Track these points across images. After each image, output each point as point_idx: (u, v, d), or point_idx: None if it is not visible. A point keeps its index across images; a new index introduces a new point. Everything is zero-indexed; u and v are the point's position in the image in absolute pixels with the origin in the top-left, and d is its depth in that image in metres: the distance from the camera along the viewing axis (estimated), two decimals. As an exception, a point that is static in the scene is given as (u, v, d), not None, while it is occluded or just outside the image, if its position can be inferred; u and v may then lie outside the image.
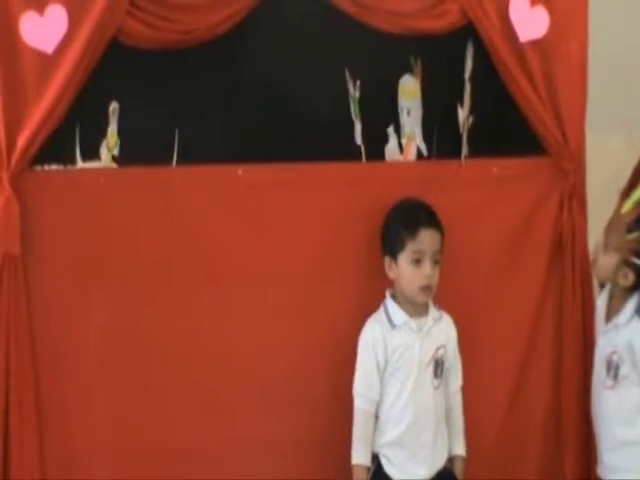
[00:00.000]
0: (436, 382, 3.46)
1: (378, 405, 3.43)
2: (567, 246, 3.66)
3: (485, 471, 3.68)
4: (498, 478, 3.70)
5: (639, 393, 3.41)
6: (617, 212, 3.48)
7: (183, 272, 3.47)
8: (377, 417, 3.44)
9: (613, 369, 3.44)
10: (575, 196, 3.65)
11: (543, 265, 3.68)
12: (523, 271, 3.67)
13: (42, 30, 3.30)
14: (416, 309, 3.47)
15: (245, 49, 3.47)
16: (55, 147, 3.36)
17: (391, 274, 3.46)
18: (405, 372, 3.42)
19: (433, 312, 3.50)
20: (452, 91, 3.60)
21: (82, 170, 3.40)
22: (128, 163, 3.43)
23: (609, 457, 3.45)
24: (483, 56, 3.57)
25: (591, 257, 3.58)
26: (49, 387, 3.43)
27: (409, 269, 3.42)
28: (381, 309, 3.49)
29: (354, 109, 3.55)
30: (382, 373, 3.42)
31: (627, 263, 3.42)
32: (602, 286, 3.61)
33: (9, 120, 3.30)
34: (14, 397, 3.36)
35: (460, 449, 3.53)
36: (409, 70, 3.58)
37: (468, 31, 3.56)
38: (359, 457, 3.41)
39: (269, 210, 3.52)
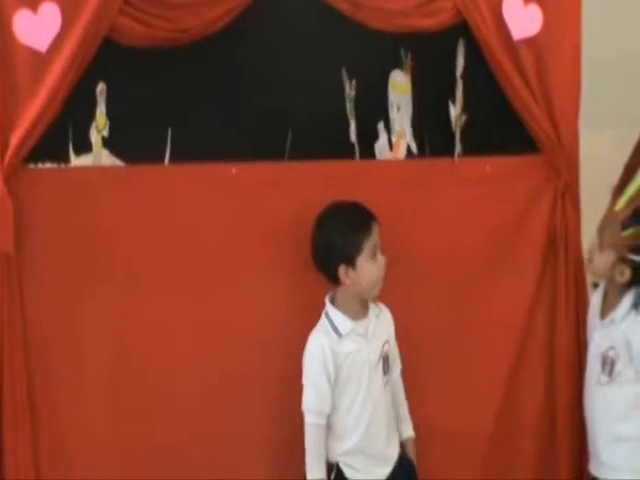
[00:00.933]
0: (385, 379, 3.43)
1: (329, 416, 3.36)
2: (560, 244, 3.66)
3: (479, 471, 3.69)
4: (492, 478, 3.70)
5: (634, 389, 3.40)
6: (611, 210, 3.48)
7: (176, 270, 3.48)
8: (329, 427, 3.37)
9: (608, 365, 3.43)
10: (568, 194, 3.65)
11: (536, 263, 3.68)
12: (516, 269, 3.67)
13: (36, 28, 3.30)
14: (359, 310, 3.41)
15: (239, 47, 3.47)
16: (48, 145, 3.36)
17: (347, 281, 3.36)
18: (357, 378, 3.36)
19: (373, 308, 3.46)
20: (444, 89, 3.60)
21: (75, 168, 3.41)
22: (121, 160, 3.43)
23: (604, 454, 3.44)
24: (476, 54, 3.57)
25: (586, 256, 3.57)
26: (43, 386, 3.44)
27: (368, 266, 3.35)
28: (323, 319, 3.41)
29: (349, 107, 3.56)
30: (333, 384, 3.35)
31: (623, 260, 3.41)
32: (595, 286, 3.62)
33: (2, 118, 3.30)
34: (7, 396, 3.37)
35: (410, 430, 3.51)
36: (399, 65, 3.58)
37: (459, 29, 3.56)
38: (317, 473, 3.33)
39: (262, 209, 3.51)
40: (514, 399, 3.71)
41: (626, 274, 3.41)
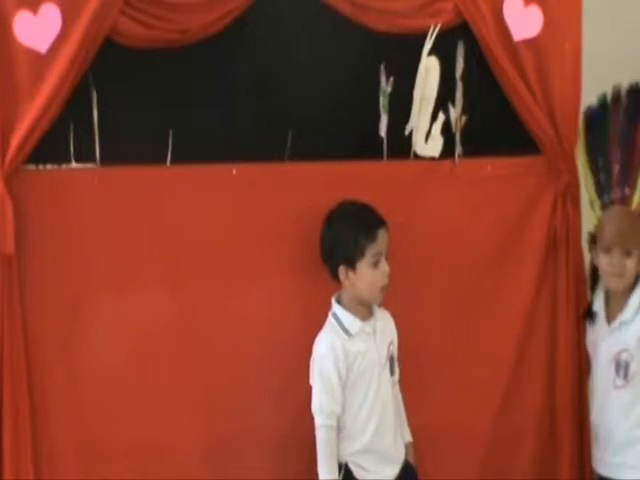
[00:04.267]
0: (392, 380, 3.44)
1: (339, 416, 3.36)
2: (561, 245, 3.67)
3: (479, 471, 3.69)
4: (492, 479, 3.70)
5: None
6: (625, 212, 3.45)
7: (177, 270, 3.48)
8: (339, 427, 3.36)
9: (623, 368, 3.43)
10: (569, 195, 3.66)
11: (537, 264, 3.68)
12: (517, 270, 3.67)
13: (36, 29, 3.30)
14: (364, 310, 3.41)
15: (239, 47, 3.47)
16: (49, 146, 3.36)
17: (347, 282, 3.36)
18: (367, 378, 3.36)
19: (376, 310, 3.46)
20: (444, 90, 3.60)
21: (76, 169, 3.41)
22: (121, 161, 3.43)
23: (619, 456, 3.44)
24: (475, 55, 3.57)
25: (613, 272, 3.47)
26: (43, 386, 3.43)
27: (369, 273, 3.34)
28: (331, 319, 3.40)
29: (383, 103, 3.54)
30: (344, 384, 3.34)
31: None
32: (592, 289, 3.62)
33: (3, 119, 3.31)
34: (7, 397, 3.37)
35: (409, 436, 3.52)
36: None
37: (459, 30, 3.56)
38: (329, 473, 3.32)
39: (263, 209, 3.51)
40: (514, 400, 3.72)
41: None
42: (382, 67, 3.55)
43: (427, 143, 3.59)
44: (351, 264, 3.34)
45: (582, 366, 3.68)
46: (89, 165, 3.42)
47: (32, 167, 3.38)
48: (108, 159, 3.42)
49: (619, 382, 3.44)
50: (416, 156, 3.60)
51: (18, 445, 3.38)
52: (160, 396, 3.51)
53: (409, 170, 3.60)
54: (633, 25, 3.88)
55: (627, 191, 3.47)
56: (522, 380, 3.71)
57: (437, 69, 3.55)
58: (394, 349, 3.46)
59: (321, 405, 3.34)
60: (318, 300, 3.53)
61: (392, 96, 3.55)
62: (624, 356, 3.43)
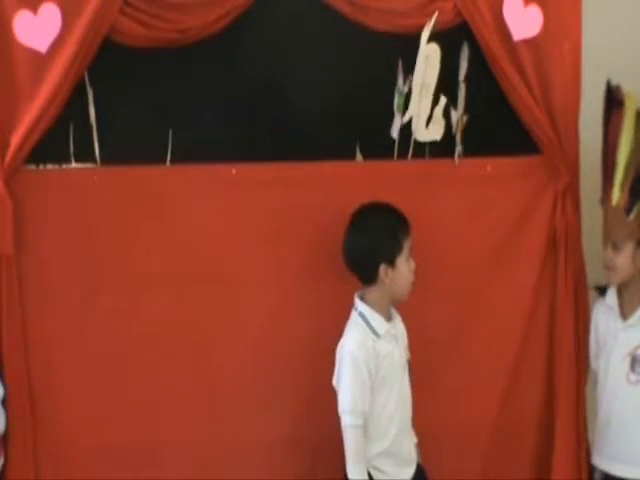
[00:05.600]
0: (409, 382, 3.45)
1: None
2: (561, 245, 3.66)
3: (479, 472, 3.69)
4: (492, 477, 3.70)
5: None
6: (609, 208, 3.48)
7: (177, 270, 3.48)
8: (364, 429, 3.34)
9: (639, 364, 3.45)
10: (569, 195, 3.65)
11: (537, 264, 3.68)
12: (517, 270, 3.67)
13: (36, 29, 3.30)
14: (388, 311, 3.42)
15: (239, 47, 3.47)
16: (49, 146, 3.36)
17: (386, 281, 3.37)
18: (391, 380, 3.37)
19: (394, 312, 3.46)
20: (446, 91, 3.60)
21: (76, 169, 3.41)
22: (121, 161, 3.43)
23: (632, 453, 3.46)
24: (476, 55, 3.57)
25: (608, 267, 3.53)
26: (43, 385, 3.44)
27: (406, 267, 3.38)
28: (357, 318, 3.39)
29: (398, 102, 3.54)
30: (372, 385, 3.33)
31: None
32: (599, 290, 3.62)
33: (3, 119, 3.31)
34: (8, 396, 3.36)
35: (415, 437, 3.51)
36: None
37: (462, 32, 3.56)
38: (360, 473, 3.31)
39: (262, 209, 3.51)
40: (514, 400, 3.71)
41: None
42: (400, 65, 3.55)
43: (428, 128, 3.58)
44: (391, 261, 3.36)
45: (582, 366, 3.68)
46: (89, 165, 3.42)
47: (32, 167, 3.38)
48: (108, 159, 3.43)
49: (633, 377, 3.46)
50: (416, 155, 3.61)
51: (19, 444, 3.38)
52: (162, 397, 3.52)
53: (409, 170, 3.59)
54: (633, 25, 3.87)
55: (607, 189, 3.49)
56: (522, 380, 3.70)
57: (438, 56, 3.53)
58: (408, 355, 3.48)
59: (353, 405, 3.30)
60: (319, 301, 3.57)
61: (409, 96, 3.55)
62: None
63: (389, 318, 3.41)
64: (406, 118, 3.56)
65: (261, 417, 3.57)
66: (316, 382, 3.55)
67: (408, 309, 3.51)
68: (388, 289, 3.38)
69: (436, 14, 3.49)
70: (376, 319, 3.37)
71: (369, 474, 3.34)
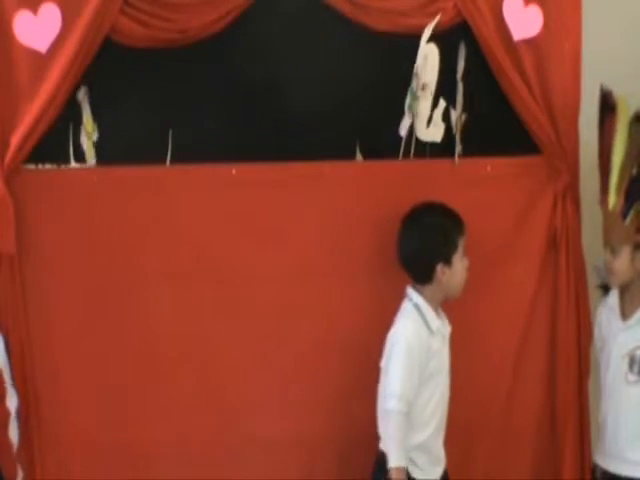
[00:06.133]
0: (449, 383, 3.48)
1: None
2: (561, 245, 3.66)
3: (479, 471, 3.69)
4: (493, 477, 3.70)
5: None
6: (606, 212, 3.49)
7: (176, 270, 3.48)
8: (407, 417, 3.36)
9: (637, 364, 3.46)
10: (569, 195, 3.65)
11: (537, 264, 3.67)
12: (517, 270, 3.66)
13: (36, 29, 3.31)
14: (437, 311, 3.46)
15: (239, 47, 3.47)
16: (49, 146, 3.37)
17: (443, 279, 3.41)
18: (437, 377, 3.40)
19: (441, 312, 3.49)
20: (445, 91, 3.60)
21: (76, 169, 3.42)
22: (121, 161, 3.44)
23: (630, 453, 3.46)
24: (476, 55, 3.57)
25: (607, 270, 3.55)
26: (46, 386, 3.45)
27: (461, 264, 3.43)
28: (411, 308, 3.42)
29: (410, 103, 3.54)
30: (420, 376, 3.36)
31: (638, 247, 3.45)
32: (603, 289, 3.62)
33: (3, 119, 3.32)
34: (9, 396, 3.37)
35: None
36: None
37: (460, 31, 3.56)
38: (401, 459, 3.31)
39: (262, 209, 3.52)
40: (515, 399, 3.71)
41: None
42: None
43: (428, 129, 3.59)
44: (447, 260, 3.40)
45: (582, 366, 3.67)
46: (88, 165, 3.42)
47: (31, 167, 3.38)
48: (108, 159, 3.43)
49: (632, 378, 3.47)
50: (416, 155, 3.60)
51: (24, 443, 3.38)
52: (165, 398, 3.53)
53: (409, 170, 3.59)
54: (633, 25, 3.87)
55: (604, 193, 3.51)
56: (522, 380, 3.69)
57: (436, 56, 3.54)
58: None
59: (401, 390, 3.32)
60: (319, 300, 3.56)
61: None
62: (639, 353, 3.45)
63: (440, 317, 3.46)
64: (408, 118, 3.57)
65: (261, 417, 3.57)
66: (316, 382, 3.58)
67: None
68: (444, 287, 3.43)
69: (439, 16, 3.49)
70: (430, 314, 3.42)
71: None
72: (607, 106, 3.51)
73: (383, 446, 3.37)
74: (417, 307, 3.42)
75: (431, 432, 3.40)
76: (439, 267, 3.40)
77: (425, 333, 3.39)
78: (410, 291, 3.44)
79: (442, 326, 3.45)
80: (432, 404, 3.40)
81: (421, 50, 3.50)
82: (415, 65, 3.51)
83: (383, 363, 3.40)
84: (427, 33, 3.49)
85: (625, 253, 3.47)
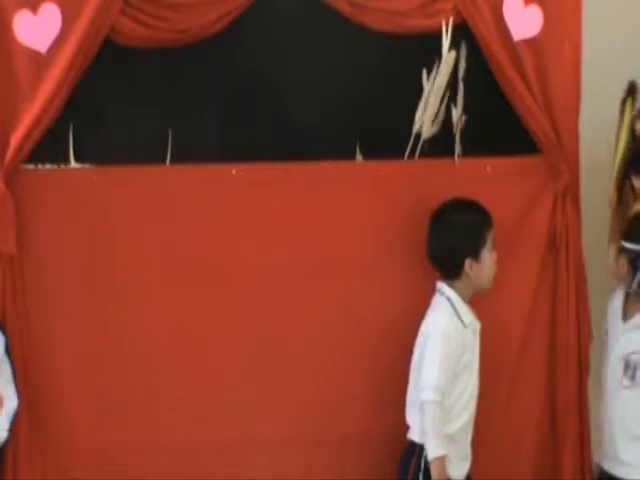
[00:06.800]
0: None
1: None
2: (561, 245, 3.66)
3: (479, 472, 3.68)
4: (493, 477, 3.70)
5: None
6: (613, 212, 3.50)
7: (177, 270, 3.49)
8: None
9: (631, 369, 3.47)
10: (569, 195, 3.65)
11: (537, 264, 3.67)
12: (517, 270, 3.66)
13: (36, 29, 3.31)
14: (468, 306, 3.49)
15: (239, 47, 3.47)
16: (48, 146, 3.37)
17: (471, 274, 3.45)
18: (468, 372, 3.43)
19: (471, 308, 3.52)
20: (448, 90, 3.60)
21: (76, 169, 3.41)
22: (121, 161, 3.44)
23: (624, 454, 3.48)
24: (476, 55, 3.57)
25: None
26: (46, 386, 3.45)
27: (489, 258, 3.46)
28: (444, 302, 3.45)
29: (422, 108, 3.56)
30: (454, 367, 3.40)
31: (621, 250, 3.47)
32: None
33: (2, 119, 3.32)
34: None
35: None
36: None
37: (461, 32, 3.55)
38: (441, 449, 3.34)
39: (262, 209, 3.52)
40: (515, 400, 3.71)
41: (624, 265, 3.46)
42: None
43: (433, 125, 3.59)
44: (476, 255, 3.43)
45: (582, 366, 3.67)
46: (88, 165, 3.42)
47: (31, 167, 3.38)
48: (107, 159, 3.43)
49: (626, 382, 3.48)
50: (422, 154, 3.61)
51: (22, 445, 3.39)
52: (166, 397, 3.53)
53: (409, 170, 3.59)
54: (633, 25, 3.87)
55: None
56: (522, 380, 3.70)
57: (453, 60, 3.56)
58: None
59: (437, 380, 3.35)
60: (318, 300, 3.56)
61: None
62: (634, 358, 3.47)
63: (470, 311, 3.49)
64: (418, 124, 3.57)
65: (261, 417, 3.57)
66: (316, 382, 3.57)
67: (407, 309, 3.52)
68: (473, 282, 3.46)
69: (451, 21, 3.50)
70: (464, 309, 3.45)
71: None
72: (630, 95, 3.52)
73: (414, 436, 3.40)
74: (450, 300, 3.46)
75: (462, 425, 3.43)
76: (467, 262, 3.44)
77: (459, 326, 3.42)
78: (441, 285, 3.48)
79: (473, 320, 3.47)
80: (465, 397, 3.44)
81: (444, 59, 3.52)
82: (438, 74, 3.54)
83: (415, 357, 3.43)
84: (446, 42, 3.50)
85: (610, 252, 3.50)
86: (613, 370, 3.52)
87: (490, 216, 3.47)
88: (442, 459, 3.34)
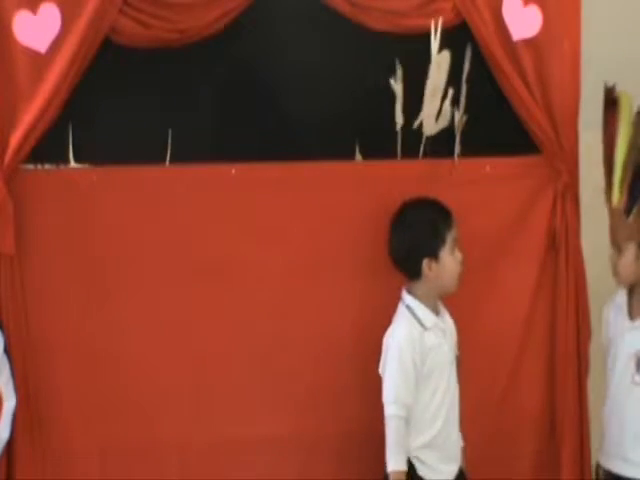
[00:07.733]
0: (457, 378, 3.47)
1: (410, 409, 3.38)
2: (560, 245, 3.66)
3: (479, 472, 3.68)
4: (493, 477, 3.69)
5: None
6: (611, 209, 3.49)
7: (177, 270, 3.48)
8: (408, 420, 3.37)
9: None
10: (568, 195, 3.65)
11: (536, 264, 3.68)
12: (516, 270, 3.67)
13: (35, 29, 3.30)
14: (435, 306, 3.46)
15: (239, 47, 3.47)
16: (48, 146, 3.37)
17: (431, 275, 3.41)
18: (438, 373, 3.40)
19: (442, 309, 3.50)
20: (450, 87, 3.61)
21: (75, 169, 3.41)
22: (121, 161, 3.44)
23: (631, 453, 3.47)
24: (475, 54, 3.57)
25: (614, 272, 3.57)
26: (46, 386, 3.44)
27: (449, 259, 3.42)
28: (404, 310, 3.43)
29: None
30: (417, 377, 3.37)
31: None
32: None
33: (2, 119, 3.31)
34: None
35: (462, 440, 3.54)
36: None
37: (465, 33, 3.56)
38: (397, 464, 3.33)
39: (262, 209, 3.52)
40: (515, 396, 3.71)
41: None
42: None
43: (437, 122, 3.59)
44: (434, 255, 3.39)
45: (582, 366, 3.68)
46: (88, 165, 3.42)
47: (31, 167, 3.38)
48: (107, 159, 3.43)
49: (638, 378, 3.47)
50: (416, 155, 3.60)
51: (20, 445, 3.38)
52: (165, 396, 3.52)
53: (408, 170, 3.59)
54: (632, 25, 3.88)
55: (608, 190, 3.52)
56: (522, 379, 3.70)
57: (448, 61, 3.55)
58: (457, 351, 3.50)
59: (396, 395, 3.35)
60: (318, 300, 3.57)
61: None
62: None
63: (437, 312, 3.45)
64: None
65: (261, 417, 3.57)
66: (317, 382, 3.58)
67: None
68: (434, 282, 3.43)
69: (440, 23, 3.49)
70: (423, 311, 3.42)
71: (411, 464, 3.37)
72: (610, 101, 3.51)
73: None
74: (409, 308, 3.43)
75: (437, 431, 3.40)
76: (425, 262, 3.40)
77: (417, 331, 3.39)
78: (403, 293, 3.46)
79: (441, 321, 3.45)
80: (435, 402, 3.40)
81: (433, 60, 3.51)
82: (428, 75, 3.53)
83: (380, 369, 3.41)
84: (435, 44, 3.50)
85: (630, 251, 3.46)
86: (621, 368, 3.51)
87: (451, 216, 3.43)
88: (400, 474, 3.33)
